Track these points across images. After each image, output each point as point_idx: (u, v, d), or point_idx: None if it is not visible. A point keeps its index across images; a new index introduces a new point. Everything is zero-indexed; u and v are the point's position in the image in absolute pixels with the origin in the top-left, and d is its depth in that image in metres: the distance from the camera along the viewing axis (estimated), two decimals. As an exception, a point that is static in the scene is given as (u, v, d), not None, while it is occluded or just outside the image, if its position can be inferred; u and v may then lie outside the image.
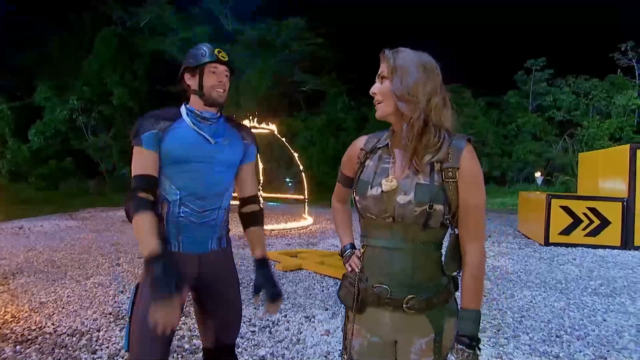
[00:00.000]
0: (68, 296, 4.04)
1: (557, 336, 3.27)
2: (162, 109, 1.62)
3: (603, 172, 8.32)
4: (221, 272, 1.66)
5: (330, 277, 4.83)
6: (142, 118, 1.56)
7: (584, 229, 7.30)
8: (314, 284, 4.60)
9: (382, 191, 1.15)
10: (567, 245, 7.26)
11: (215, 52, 1.59)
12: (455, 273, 1.21)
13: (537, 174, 14.86)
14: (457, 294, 1.24)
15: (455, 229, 1.18)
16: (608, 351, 3.02)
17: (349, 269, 1.28)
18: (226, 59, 1.61)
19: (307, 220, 10.32)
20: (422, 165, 1.14)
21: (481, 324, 1.21)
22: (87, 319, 3.43)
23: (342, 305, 3.70)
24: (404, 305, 1.16)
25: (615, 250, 7.03)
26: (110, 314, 3.56)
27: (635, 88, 20.78)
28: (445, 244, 1.22)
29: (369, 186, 1.19)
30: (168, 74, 22.35)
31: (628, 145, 7.41)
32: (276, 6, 23.92)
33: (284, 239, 7.89)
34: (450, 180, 1.12)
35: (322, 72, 24.55)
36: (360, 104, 24.41)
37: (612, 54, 21.52)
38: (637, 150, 7.14)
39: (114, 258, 5.85)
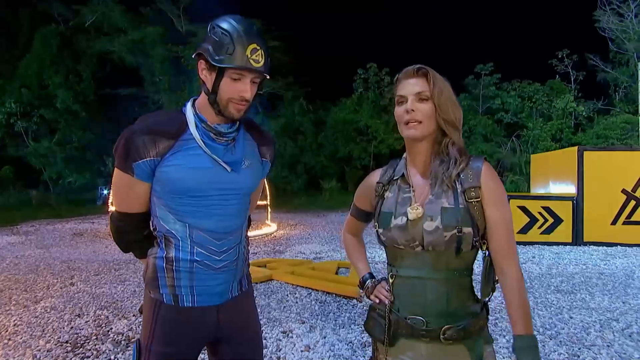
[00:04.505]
0: (15, 325, 3.63)
1: (531, 337, 3.35)
2: (162, 115, 1.21)
3: (554, 173, 8.80)
4: (242, 318, 1.35)
5: (302, 287, 4.72)
6: (134, 134, 1.13)
7: (539, 227, 7.67)
8: (287, 295, 4.46)
9: (407, 220, 1.11)
10: (525, 243, 7.59)
11: (248, 52, 1.12)
12: (487, 299, 1.17)
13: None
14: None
15: (487, 251, 1.15)
16: (579, 349, 3.13)
17: (377, 301, 1.22)
18: (260, 64, 1.14)
19: (271, 227, 10.13)
20: (451, 183, 1.12)
21: None
22: (39, 350, 3.09)
23: (319, 318, 3.64)
24: (441, 336, 1.10)
25: (567, 246, 7.44)
26: (67, 342, 3.23)
27: (571, 92, 22.38)
28: (475, 269, 1.17)
29: (392, 216, 1.16)
30: (117, 76, 21.48)
31: (576, 147, 7.88)
32: (232, 8, 23.51)
33: (250, 248, 7.65)
34: (474, 200, 1.11)
35: (278, 76, 24.36)
36: (317, 107, 24.47)
37: (551, 60, 23.03)
38: (584, 152, 7.63)
39: (67, 277, 5.38)
